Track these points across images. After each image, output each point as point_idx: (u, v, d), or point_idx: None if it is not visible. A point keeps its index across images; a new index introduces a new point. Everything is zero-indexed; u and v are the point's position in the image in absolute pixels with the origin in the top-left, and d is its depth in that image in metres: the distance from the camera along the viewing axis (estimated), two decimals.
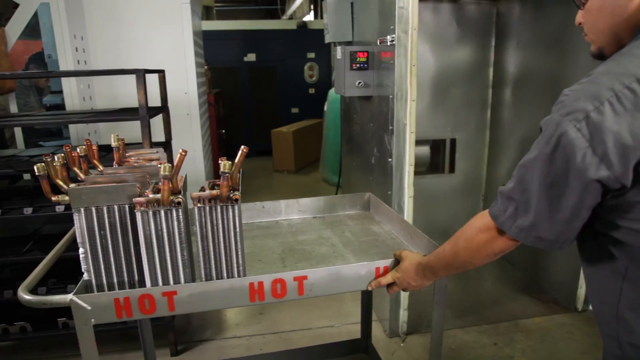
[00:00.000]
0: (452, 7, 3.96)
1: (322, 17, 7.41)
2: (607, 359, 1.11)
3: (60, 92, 3.46)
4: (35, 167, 1.37)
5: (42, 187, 1.42)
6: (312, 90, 8.55)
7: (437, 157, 4.21)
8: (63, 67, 3.37)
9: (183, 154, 1.40)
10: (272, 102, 8.53)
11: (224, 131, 7.09)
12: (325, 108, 6.56)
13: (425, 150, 4.15)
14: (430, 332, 2.83)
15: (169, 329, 2.82)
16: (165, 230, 1.33)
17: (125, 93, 3.80)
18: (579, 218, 0.97)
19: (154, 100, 3.28)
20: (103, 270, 1.36)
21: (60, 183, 1.42)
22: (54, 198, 1.44)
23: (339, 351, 2.57)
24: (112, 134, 1.73)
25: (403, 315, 3.00)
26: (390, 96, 2.58)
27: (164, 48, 3.89)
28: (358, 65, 2.98)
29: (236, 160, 1.39)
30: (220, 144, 6.83)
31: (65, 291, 2.68)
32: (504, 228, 1.06)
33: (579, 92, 0.94)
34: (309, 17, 13.32)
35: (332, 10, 3.40)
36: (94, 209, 1.32)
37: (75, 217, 1.32)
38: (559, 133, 0.92)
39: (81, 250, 1.36)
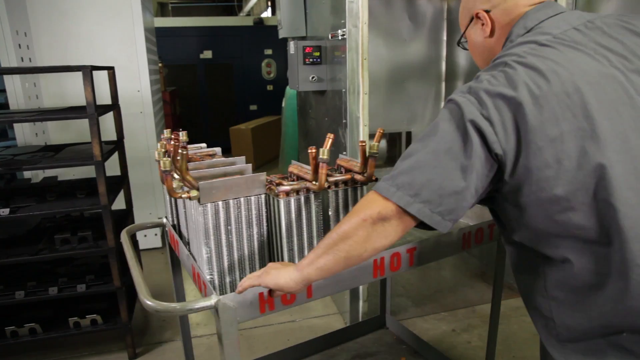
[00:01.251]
0: (405, 3, 4.01)
1: None
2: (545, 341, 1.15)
3: (3, 91, 3.33)
4: (161, 162, 1.30)
5: (167, 183, 1.33)
6: (270, 87, 8.51)
7: (393, 150, 4.27)
8: (5, 64, 3.25)
9: (331, 136, 1.46)
10: (230, 99, 8.45)
11: (180, 129, 6.99)
12: (283, 104, 6.54)
13: (382, 143, 4.20)
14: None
15: (126, 331, 2.76)
16: (305, 216, 1.41)
17: (74, 91, 3.70)
18: (467, 182, 1.02)
19: (106, 98, 3.21)
20: (226, 267, 1.35)
21: (190, 179, 1.34)
22: (184, 195, 1.33)
23: (362, 330, 2.65)
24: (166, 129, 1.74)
25: (363, 306, 3.03)
26: (343, 90, 2.60)
27: (114, 44, 3.81)
28: (311, 59, 2.99)
29: (327, 146, 1.43)
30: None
31: (75, 290, 2.61)
32: (383, 191, 1.07)
33: (463, 85, 1.12)
34: (267, 13, 13.26)
35: (285, 5, 3.40)
36: (220, 204, 1.32)
37: (202, 213, 1.31)
38: (443, 107, 1.11)
39: (205, 250, 1.33)
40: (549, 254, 1.07)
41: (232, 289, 1.35)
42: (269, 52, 8.33)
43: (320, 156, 1.40)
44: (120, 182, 3.09)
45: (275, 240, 1.46)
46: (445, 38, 4.13)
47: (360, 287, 2.93)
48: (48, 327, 2.66)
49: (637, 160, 0.97)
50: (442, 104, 4.18)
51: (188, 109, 8.08)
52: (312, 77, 3.02)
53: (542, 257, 1.09)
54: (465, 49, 1.41)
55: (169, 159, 1.30)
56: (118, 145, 3.09)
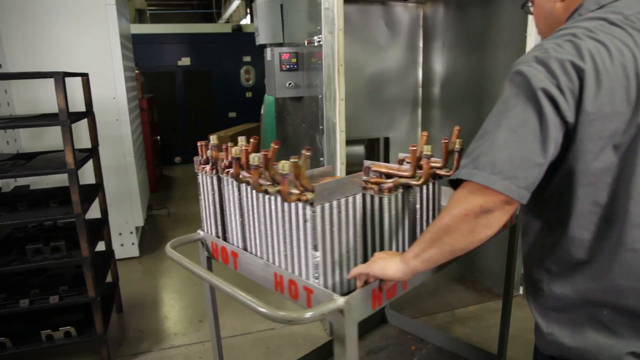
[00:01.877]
0: (381, 9, 4.05)
1: None
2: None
3: None
4: (280, 165, 1.25)
5: (282, 188, 1.28)
6: (249, 94, 8.49)
7: (372, 156, 4.29)
8: None
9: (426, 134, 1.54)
10: (209, 106, 8.40)
11: (158, 137, 6.91)
12: (262, 111, 6.52)
13: (360, 149, 4.22)
14: (367, 331, 2.89)
15: (101, 343, 2.70)
16: (409, 211, 1.47)
17: (47, 98, 3.62)
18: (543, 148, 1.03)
19: (81, 105, 3.15)
20: (332, 269, 1.32)
21: (306, 182, 1.28)
22: (302, 198, 1.27)
23: (366, 328, 2.65)
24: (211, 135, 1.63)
25: None
26: (320, 96, 2.60)
27: (88, 51, 3.75)
28: (288, 66, 2.99)
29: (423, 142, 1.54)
30: (155, 150, 6.65)
31: (48, 302, 2.54)
32: (480, 179, 1.05)
33: (525, 55, 1.12)
34: (246, 20, 13.23)
35: (262, 12, 3.39)
36: (327, 205, 1.29)
37: (312, 216, 1.27)
38: (508, 81, 1.11)
39: (314, 254, 1.30)
40: (557, 227, 1.14)
41: (339, 290, 1.34)
42: (247, 59, 8.32)
43: (425, 152, 1.50)
44: (95, 191, 3.04)
45: (375, 238, 1.47)
46: (421, 44, 4.18)
47: None
48: (19, 341, 2.58)
49: None
50: (420, 110, 4.23)
51: (166, 117, 8.00)
52: (289, 84, 3.02)
53: (548, 232, 1.16)
54: (529, 13, 1.39)
55: (288, 162, 1.25)
56: (93, 153, 3.04)
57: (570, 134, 1.04)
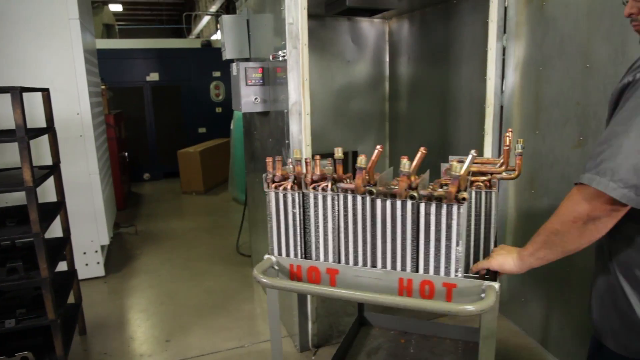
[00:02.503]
0: (347, 25, 4.10)
1: None
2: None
3: None
4: (453, 167, 1.32)
5: (452, 189, 1.38)
6: (219, 109, 8.44)
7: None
8: None
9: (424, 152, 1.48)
10: (178, 122, 8.30)
11: (126, 154, 6.79)
12: (232, 126, 6.50)
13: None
14: (341, 342, 2.88)
15: None
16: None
17: (8, 114, 3.52)
18: None
19: (43, 121, 3.07)
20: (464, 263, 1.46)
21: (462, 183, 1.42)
22: (459, 196, 1.38)
23: (352, 334, 2.60)
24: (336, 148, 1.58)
25: (312, 328, 2.99)
26: (285, 111, 2.60)
27: (51, 66, 3.68)
28: (253, 81, 2.99)
29: (415, 161, 1.47)
30: (123, 167, 6.53)
31: (3, 326, 2.42)
32: (598, 184, 1.06)
33: None
34: (216, 36, 13.23)
35: (228, 27, 3.39)
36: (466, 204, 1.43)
37: (457, 215, 1.39)
38: None
39: (457, 250, 1.41)
40: None
41: None
42: (217, 74, 8.29)
43: (519, 150, 1.65)
44: (56, 209, 2.95)
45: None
46: (387, 59, 4.24)
47: (309, 308, 2.90)
48: None
49: None
50: (387, 123, 4.28)
51: (135, 133, 7.88)
52: (255, 98, 3.01)
53: None
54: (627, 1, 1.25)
55: (460, 163, 1.33)
56: (54, 170, 2.96)
57: None
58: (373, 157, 1.48)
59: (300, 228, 1.66)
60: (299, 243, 1.68)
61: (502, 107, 3.06)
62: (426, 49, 3.72)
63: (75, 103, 3.77)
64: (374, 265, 1.57)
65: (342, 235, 1.59)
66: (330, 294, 1.56)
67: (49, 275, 2.44)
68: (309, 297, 2.86)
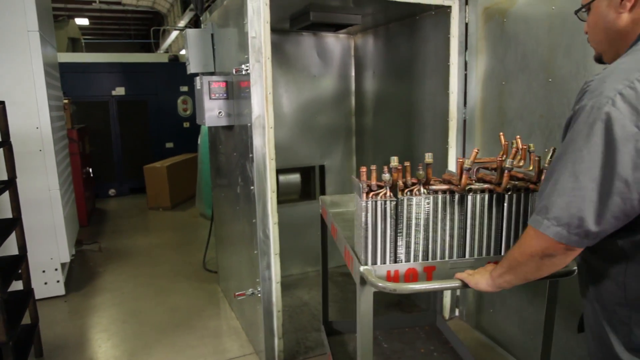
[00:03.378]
0: (313, 40, 4.13)
1: None
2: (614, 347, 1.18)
3: None
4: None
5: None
6: (186, 124, 8.34)
7: (308, 185, 4.30)
8: None
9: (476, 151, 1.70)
10: (145, 137, 8.16)
11: (90, 169, 6.64)
12: (199, 141, 6.44)
13: (296, 178, 4.22)
14: (308, 357, 2.87)
15: None
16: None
17: None
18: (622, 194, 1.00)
19: None
20: None
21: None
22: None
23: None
24: (426, 153, 1.72)
25: (278, 344, 2.95)
26: (249, 124, 2.59)
27: (8, 79, 3.59)
28: (217, 95, 2.97)
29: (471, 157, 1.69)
30: (86, 182, 6.38)
31: None
32: (536, 224, 1.10)
33: (603, 79, 1.04)
34: (184, 51, 13.16)
35: (192, 41, 3.37)
36: None
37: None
38: (594, 115, 1.01)
39: None
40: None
41: None
42: (185, 88, 8.21)
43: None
44: (12, 225, 2.85)
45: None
46: (353, 74, 4.28)
47: (275, 324, 2.86)
48: None
49: None
50: (354, 138, 4.30)
51: (100, 148, 7.72)
52: (219, 112, 2.99)
53: (626, 267, 1.13)
54: (582, 19, 1.29)
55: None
56: (9, 185, 2.86)
57: None
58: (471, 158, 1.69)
59: (392, 234, 1.74)
60: (394, 248, 1.75)
61: (465, 120, 3.12)
62: (391, 63, 3.77)
63: (34, 117, 3.67)
64: (463, 255, 1.78)
65: (433, 233, 1.76)
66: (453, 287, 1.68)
67: (1, 294, 2.34)
68: (274, 312, 2.82)
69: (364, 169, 1.73)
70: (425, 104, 3.36)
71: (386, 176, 1.69)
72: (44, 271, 3.89)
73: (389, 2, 2.87)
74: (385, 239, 1.74)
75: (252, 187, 2.66)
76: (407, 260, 1.76)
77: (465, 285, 1.55)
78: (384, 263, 1.75)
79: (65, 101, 5.58)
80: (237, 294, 2.90)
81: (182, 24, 12.14)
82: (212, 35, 3.37)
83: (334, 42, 4.21)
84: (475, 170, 1.82)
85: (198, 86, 3.05)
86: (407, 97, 3.57)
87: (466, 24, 3.02)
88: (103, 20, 20.39)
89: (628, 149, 0.97)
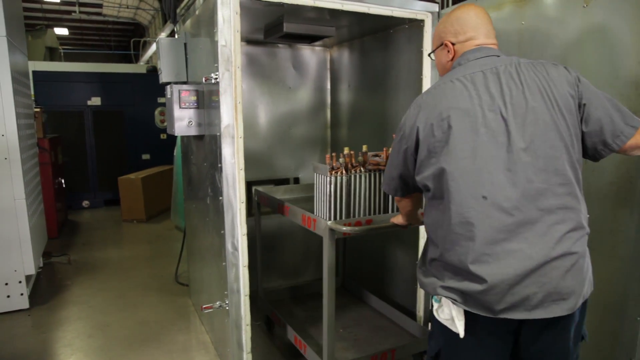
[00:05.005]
0: (289, 52, 4.13)
1: None
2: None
3: None
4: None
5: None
6: (163, 136, 8.23)
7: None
8: None
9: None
10: (121, 148, 8.03)
11: (62, 180, 6.50)
12: (175, 153, 6.36)
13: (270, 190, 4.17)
14: None
15: None
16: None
17: None
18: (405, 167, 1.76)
19: None
20: None
21: None
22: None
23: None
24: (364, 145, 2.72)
25: (247, 358, 2.88)
26: (218, 134, 2.55)
27: None
28: (187, 104, 2.93)
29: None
30: (58, 193, 6.24)
31: None
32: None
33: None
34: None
35: (165, 50, 3.33)
36: None
37: None
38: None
39: None
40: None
41: None
42: (162, 100, 8.12)
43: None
44: None
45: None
46: (329, 86, 4.28)
47: (244, 338, 2.80)
48: None
49: (467, 165, 1.52)
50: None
51: (74, 158, 7.57)
52: (189, 122, 2.95)
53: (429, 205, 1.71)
54: (432, 59, 1.93)
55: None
56: None
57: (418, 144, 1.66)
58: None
59: (345, 196, 2.53)
60: (347, 208, 2.55)
61: None
62: (366, 76, 3.78)
63: (0, 124, 3.58)
64: (386, 211, 2.70)
65: (369, 197, 2.62)
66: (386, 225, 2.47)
67: None
68: (243, 326, 2.76)
69: (328, 156, 2.53)
70: (399, 116, 3.35)
71: (341, 160, 2.56)
72: (6, 284, 3.76)
73: (363, 15, 2.87)
74: (342, 202, 2.52)
75: (220, 198, 2.61)
76: (354, 215, 2.58)
77: (394, 225, 2.35)
78: (341, 218, 2.53)
79: (37, 110, 5.47)
80: (204, 306, 2.83)
81: (163, 35, 12.09)
82: (185, 44, 3.34)
83: (310, 54, 4.21)
84: None
85: (168, 95, 3.01)
86: (381, 109, 3.57)
87: None
88: (83, 31, 20.25)
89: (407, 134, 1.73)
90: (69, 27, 18.52)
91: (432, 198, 1.64)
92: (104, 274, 4.79)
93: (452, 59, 1.75)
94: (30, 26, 13.93)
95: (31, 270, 3.87)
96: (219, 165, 2.58)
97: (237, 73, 2.50)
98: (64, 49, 16.36)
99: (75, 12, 14.72)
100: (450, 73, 1.67)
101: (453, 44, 1.74)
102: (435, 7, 3.03)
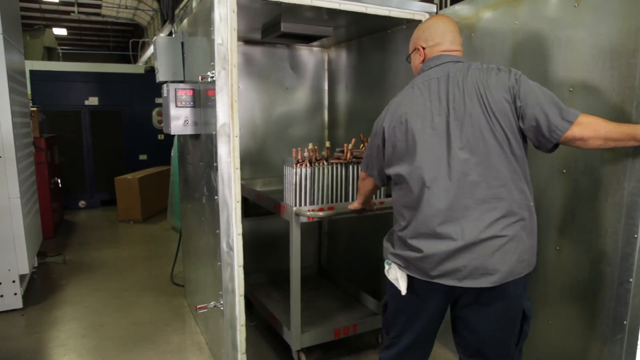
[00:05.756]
0: (287, 53, 4.12)
1: None
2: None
3: None
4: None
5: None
6: (161, 136, 8.20)
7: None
8: None
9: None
10: (118, 148, 7.99)
11: (59, 179, 6.47)
12: (172, 153, 6.34)
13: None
14: None
15: None
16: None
17: None
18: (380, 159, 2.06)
19: None
20: None
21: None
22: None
23: None
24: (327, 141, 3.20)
25: (241, 359, 2.86)
26: (214, 133, 2.53)
27: None
28: (183, 103, 2.91)
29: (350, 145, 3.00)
30: (54, 193, 6.21)
31: None
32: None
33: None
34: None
35: (162, 49, 3.31)
36: None
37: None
38: None
39: None
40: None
41: None
42: (160, 100, 8.07)
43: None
44: None
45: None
46: (326, 87, 4.27)
47: (238, 339, 2.78)
48: None
49: (417, 161, 1.84)
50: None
51: (70, 158, 7.54)
52: (185, 121, 2.93)
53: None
54: (409, 62, 2.17)
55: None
56: None
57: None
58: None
59: (309, 185, 2.83)
60: (311, 196, 2.85)
61: None
62: (363, 77, 3.77)
63: None
64: (347, 200, 2.98)
65: (331, 186, 2.92)
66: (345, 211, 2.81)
67: None
68: (238, 326, 2.74)
69: (294, 150, 2.82)
70: None
71: (306, 154, 2.84)
72: (0, 283, 3.74)
73: (360, 15, 2.87)
74: (306, 191, 2.83)
75: (216, 197, 2.60)
76: (318, 203, 2.87)
77: (352, 211, 2.69)
78: (306, 205, 2.83)
79: (33, 109, 5.45)
80: (198, 306, 2.81)
81: (162, 36, 12.08)
82: (182, 43, 3.33)
83: (308, 55, 4.20)
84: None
85: (165, 93, 2.99)
86: (379, 110, 3.51)
87: None
88: (82, 31, 20.24)
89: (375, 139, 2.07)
90: (67, 28, 18.50)
91: (394, 184, 1.99)
92: (99, 274, 4.76)
93: (422, 61, 2.02)
94: (29, 26, 13.92)
95: (25, 269, 3.85)
96: (215, 164, 2.56)
97: (233, 71, 2.49)
98: (62, 49, 16.35)
99: (74, 12, 14.71)
100: (416, 78, 1.98)
101: (424, 48, 2.01)
102: (432, 8, 3.02)
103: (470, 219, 1.75)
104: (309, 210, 2.76)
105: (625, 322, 2.04)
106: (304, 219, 2.74)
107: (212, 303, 2.78)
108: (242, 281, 2.68)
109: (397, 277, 1.93)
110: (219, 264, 2.67)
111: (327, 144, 3.00)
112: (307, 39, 3.55)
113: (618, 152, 2.02)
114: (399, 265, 1.92)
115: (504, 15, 2.56)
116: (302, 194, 2.81)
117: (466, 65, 1.86)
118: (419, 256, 1.82)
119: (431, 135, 1.81)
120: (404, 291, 1.91)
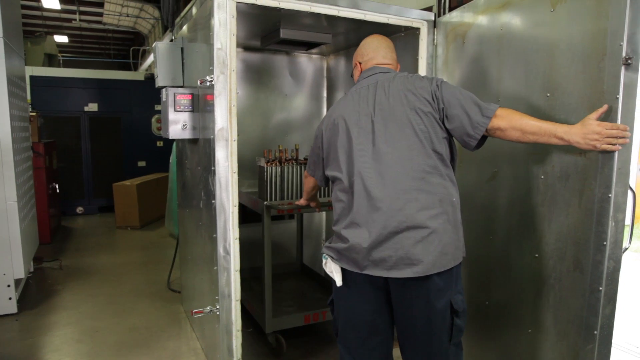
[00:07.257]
0: (286, 60, 4.14)
1: None
2: None
3: None
4: None
5: None
6: (160, 143, 8.21)
7: None
8: None
9: None
10: (117, 154, 8.00)
11: (56, 185, 6.46)
12: (171, 160, 6.34)
13: None
14: None
15: None
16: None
17: None
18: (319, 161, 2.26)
19: None
20: None
21: None
22: None
23: None
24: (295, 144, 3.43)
25: None
26: (212, 137, 2.54)
27: None
28: (182, 107, 2.92)
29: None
30: (52, 198, 6.20)
31: None
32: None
33: None
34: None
35: (161, 54, 3.33)
36: None
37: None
38: None
39: None
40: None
41: None
42: (159, 107, 8.11)
43: None
44: None
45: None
46: (325, 94, 4.28)
47: (234, 344, 2.76)
48: None
49: (348, 158, 2.01)
50: None
51: (69, 164, 7.54)
52: (184, 125, 2.94)
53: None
54: (352, 77, 2.34)
55: None
56: None
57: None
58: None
59: (278, 183, 3.22)
60: (280, 191, 3.23)
61: None
62: None
63: None
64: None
65: (297, 184, 3.27)
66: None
67: None
68: (234, 331, 2.72)
69: (265, 150, 3.27)
70: None
71: (277, 154, 3.27)
72: None
73: (359, 22, 2.88)
74: (275, 186, 3.20)
75: (213, 201, 2.59)
76: (287, 198, 3.24)
77: (303, 206, 2.84)
78: (275, 200, 3.20)
79: (33, 114, 5.46)
80: (194, 311, 2.80)
81: (162, 42, 12.13)
82: (181, 49, 3.34)
83: (307, 62, 4.22)
84: None
85: (164, 98, 3.00)
86: None
87: (435, 45, 3.05)
88: (83, 39, 20.33)
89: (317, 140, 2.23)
90: (69, 35, 18.58)
91: (332, 182, 2.13)
92: (95, 279, 4.74)
93: (360, 74, 2.23)
94: (30, 33, 13.98)
95: (20, 274, 3.83)
96: (213, 168, 2.56)
97: (232, 76, 2.50)
98: (63, 56, 16.41)
99: (75, 20, 14.78)
100: (352, 87, 2.18)
101: (360, 63, 2.25)
102: (431, 16, 3.04)
103: (393, 209, 1.85)
104: (280, 205, 3.14)
105: (595, 332, 2.00)
106: (274, 212, 3.13)
107: (208, 308, 2.76)
108: (239, 286, 2.67)
109: (332, 269, 2.02)
110: (215, 268, 2.66)
111: (296, 145, 3.36)
112: (307, 46, 3.57)
113: (590, 157, 2.01)
114: (332, 257, 2.03)
115: (490, 22, 2.57)
116: (272, 190, 3.18)
117: (393, 75, 2.07)
118: (345, 246, 1.93)
119: (358, 132, 1.98)
120: (339, 282, 2.01)
